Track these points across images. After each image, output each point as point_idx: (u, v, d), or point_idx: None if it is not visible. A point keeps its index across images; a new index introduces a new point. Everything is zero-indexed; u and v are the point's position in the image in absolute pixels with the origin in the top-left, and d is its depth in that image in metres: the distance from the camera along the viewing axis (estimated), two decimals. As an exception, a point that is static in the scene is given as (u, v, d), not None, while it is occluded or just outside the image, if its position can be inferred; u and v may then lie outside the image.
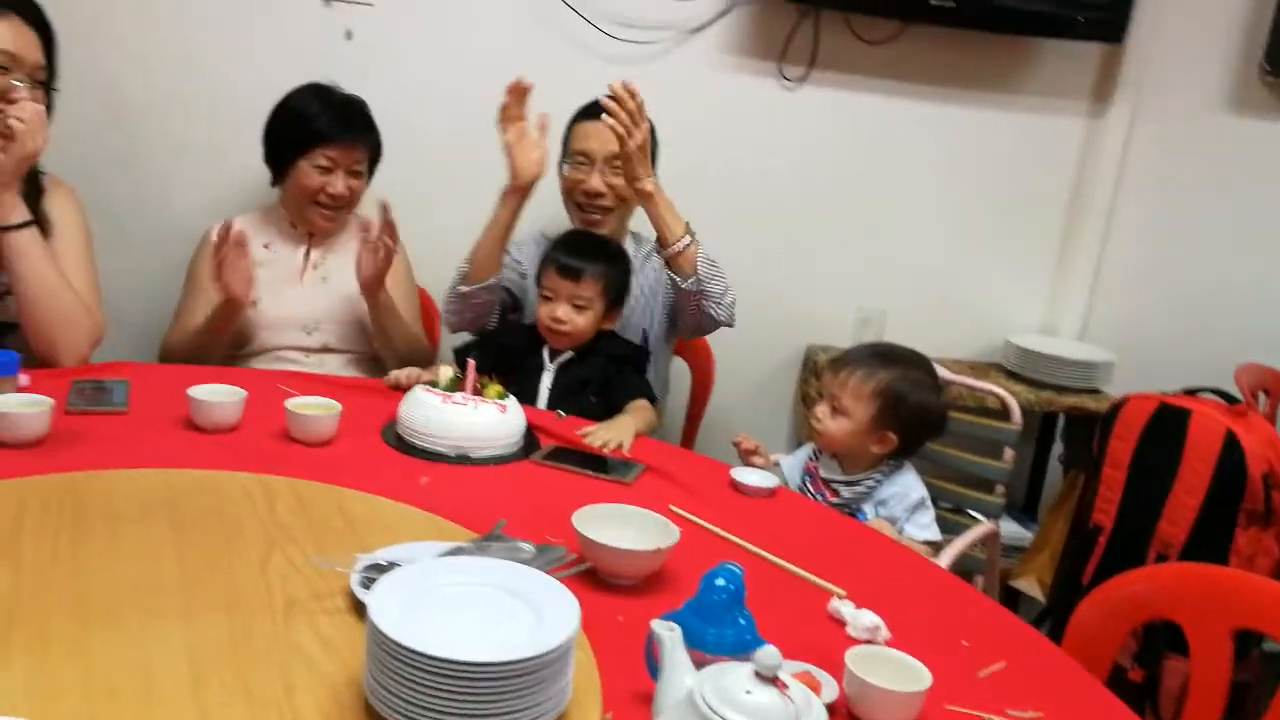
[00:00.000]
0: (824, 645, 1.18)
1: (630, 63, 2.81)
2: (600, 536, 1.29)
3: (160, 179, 2.67)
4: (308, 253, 2.34)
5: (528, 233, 2.43)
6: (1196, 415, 2.23)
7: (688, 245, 2.11)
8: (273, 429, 1.73)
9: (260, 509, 1.36)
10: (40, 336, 1.92)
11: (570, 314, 2.08)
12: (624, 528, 1.35)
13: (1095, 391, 2.89)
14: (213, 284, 2.14)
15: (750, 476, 1.74)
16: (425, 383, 1.83)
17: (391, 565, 1.15)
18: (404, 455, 1.71)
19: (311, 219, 2.30)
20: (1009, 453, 2.22)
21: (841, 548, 1.58)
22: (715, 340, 2.58)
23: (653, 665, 1.04)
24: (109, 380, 1.86)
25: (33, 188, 1.98)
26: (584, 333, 2.11)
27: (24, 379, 1.70)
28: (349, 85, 2.37)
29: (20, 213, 1.89)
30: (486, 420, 1.76)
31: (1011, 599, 2.68)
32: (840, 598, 1.35)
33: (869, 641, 1.23)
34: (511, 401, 1.82)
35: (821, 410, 1.88)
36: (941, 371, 2.06)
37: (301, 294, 2.31)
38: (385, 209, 2.12)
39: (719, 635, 1.02)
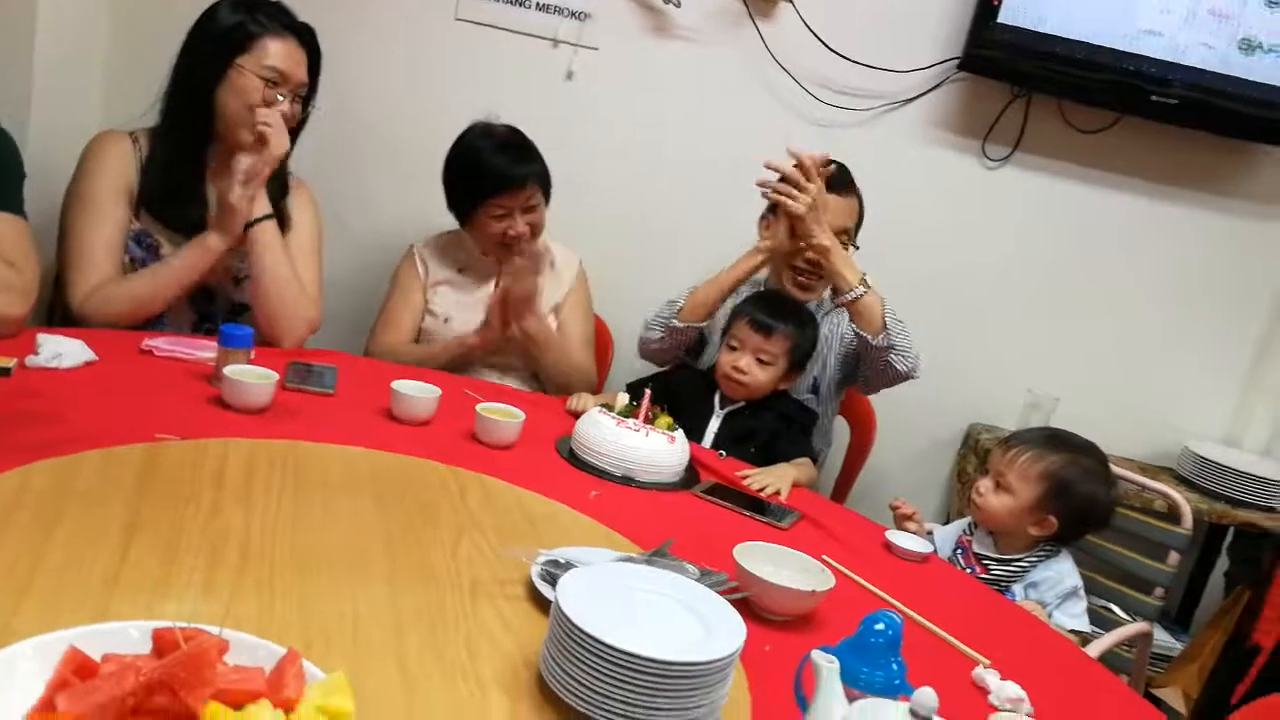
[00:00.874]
0: (966, 712, 1.20)
1: (837, 127, 2.90)
2: (759, 571, 1.36)
3: (377, 191, 2.92)
4: (498, 280, 2.44)
5: None
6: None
7: (861, 294, 2.16)
8: (461, 428, 1.87)
9: (453, 496, 1.48)
10: (267, 319, 2.13)
11: (753, 366, 2.16)
12: (781, 567, 1.41)
13: (1272, 510, 2.76)
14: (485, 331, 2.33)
15: (904, 540, 1.77)
16: (602, 405, 1.95)
17: (569, 563, 1.25)
18: (575, 469, 1.83)
19: (499, 255, 2.42)
20: (1174, 556, 2.16)
21: (989, 620, 1.59)
22: (880, 403, 2.61)
23: (800, 695, 1.10)
24: (320, 365, 2.05)
25: (278, 186, 2.21)
26: (762, 387, 2.18)
27: (252, 354, 1.89)
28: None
29: (263, 207, 2.11)
30: (654, 447, 1.85)
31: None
32: (985, 666, 1.36)
33: (1011, 712, 1.24)
34: (679, 434, 1.91)
35: (985, 485, 1.89)
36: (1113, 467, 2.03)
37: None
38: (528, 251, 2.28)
39: (870, 675, 1.07)
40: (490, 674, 1.03)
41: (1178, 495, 2.22)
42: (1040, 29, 2.72)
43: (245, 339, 1.83)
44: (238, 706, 0.78)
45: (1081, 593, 1.86)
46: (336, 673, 0.86)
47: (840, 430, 2.72)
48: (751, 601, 1.35)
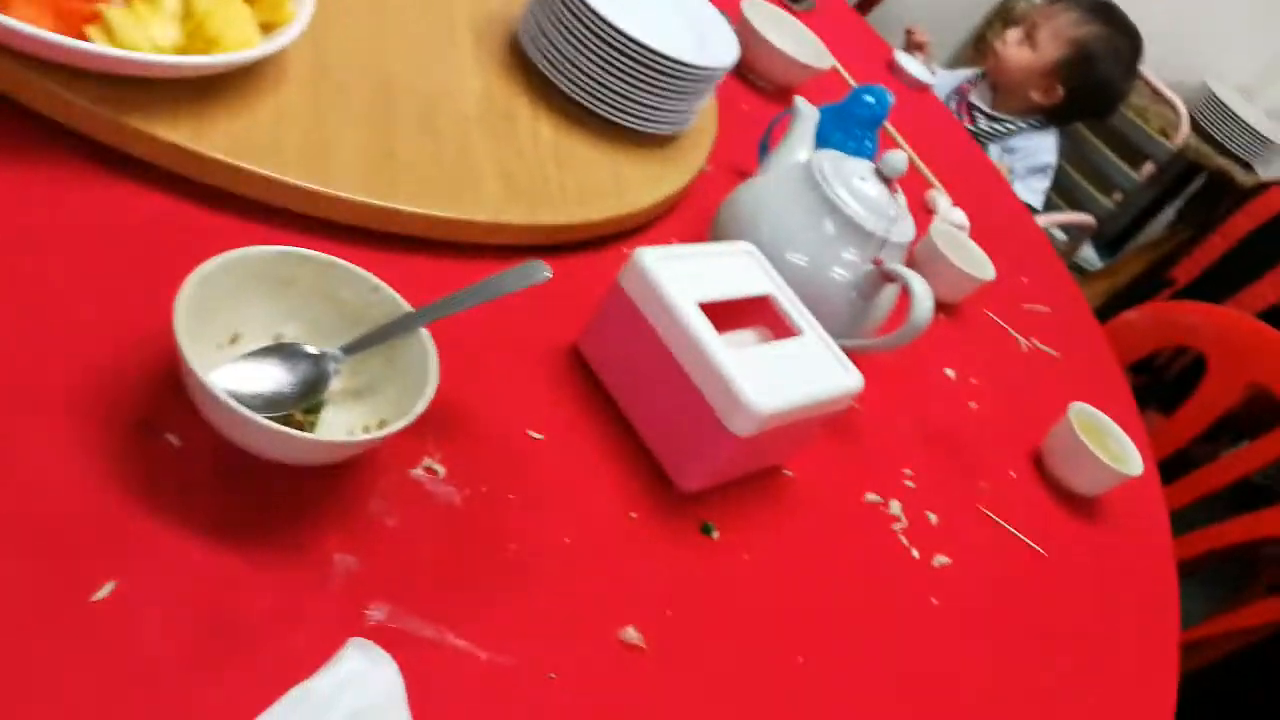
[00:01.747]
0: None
1: None
2: (764, 32, 1.30)
3: None
4: None
5: None
6: (1331, 226, 2.16)
7: None
8: None
9: None
10: None
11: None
12: (783, 38, 1.35)
13: (1249, 167, 2.76)
14: None
15: (911, 65, 1.71)
16: None
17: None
18: None
19: None
20: (1149, 166, 2.17)
21: (958, 160, 1.60)
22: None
23: (765, 144, 1.09)
24: None
25: None
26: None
27: None
28: None
29: None
30: None
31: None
32: (939, 190, 1.39)
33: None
34: None
35: (1012, 35, 1.81)
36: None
37: None
38: None
39: (842, 142, 1.06)
40: (464, 17, 0.98)
41: (1184, 110, 2.17)
42: None
43: None
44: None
45: (1050, 173, 1.87)
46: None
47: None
48: (747, 67, 1.30)
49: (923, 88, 1.72)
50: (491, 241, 0.80)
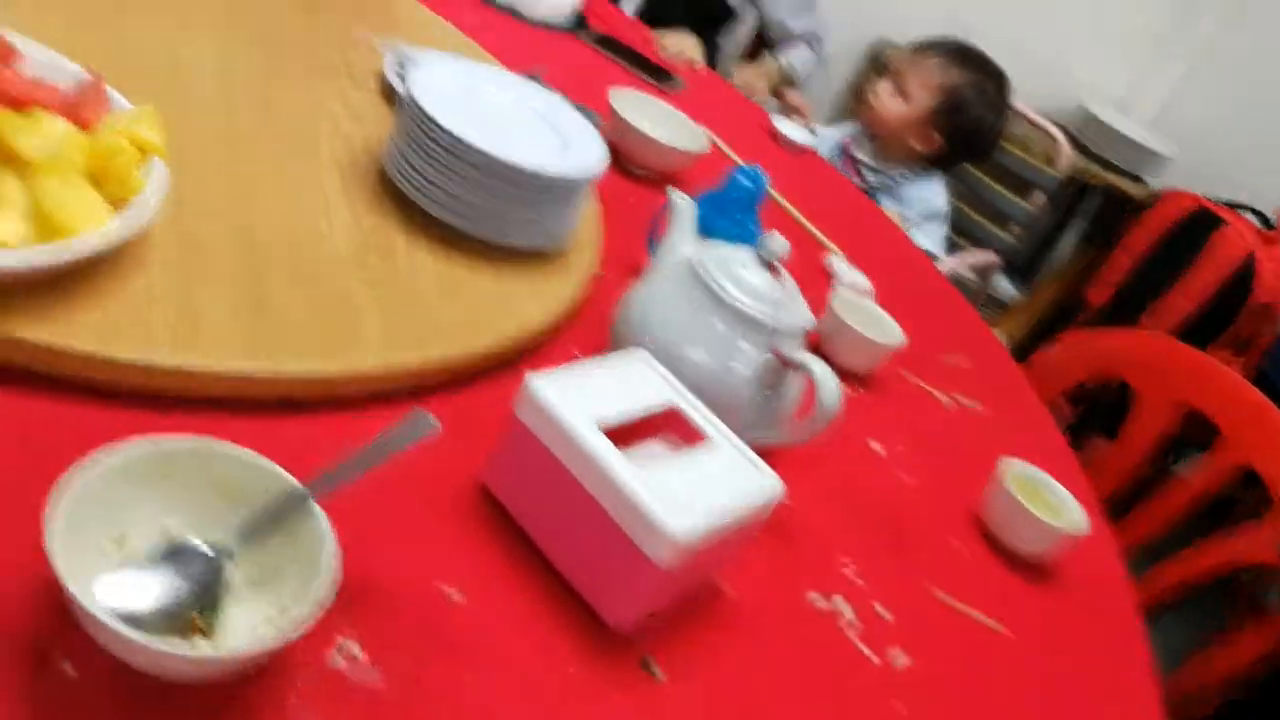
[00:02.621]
0: (812, 295, 1.21)
1: None
2: (634, 121, 1.28)
3: None
4: None
5: None
6: (1227, 228, 2.21)
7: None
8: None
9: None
10: None
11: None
12: (657, 125, 1.34)
13: (1139, 180, 2.83)
14: None
15: (789, 129, 1.71)
16: None
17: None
18: None
19: None
20: (1039, 196, 2.20)
21: (850, 219, 1.59)
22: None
23: (653, 239, 1.06)
24: None
25: None
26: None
27: None
28: None
29: None
30: None
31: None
32: (837, 255, 1.37)
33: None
34: None
35: (883, 87, 1.82)
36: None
37: None
38: None
39: (726, 229, 1.03)
40: (329, 155, 0.94)
41: (1059, 134, 2.22)
42: None
43: None
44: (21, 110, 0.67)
45: (946, 218, 1.88)
46: (146, 105, 0.75)
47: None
48: (621, 151, 1.28)
49: (805, 151, 1.72)
50: (383, 389, 0.74)
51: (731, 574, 0.75)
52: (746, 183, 1.05)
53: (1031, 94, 2.95)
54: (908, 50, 1.85)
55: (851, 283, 1.29)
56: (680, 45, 1.81)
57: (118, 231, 0.66)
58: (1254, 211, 2.28)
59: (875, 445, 1.01)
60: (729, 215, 1.05)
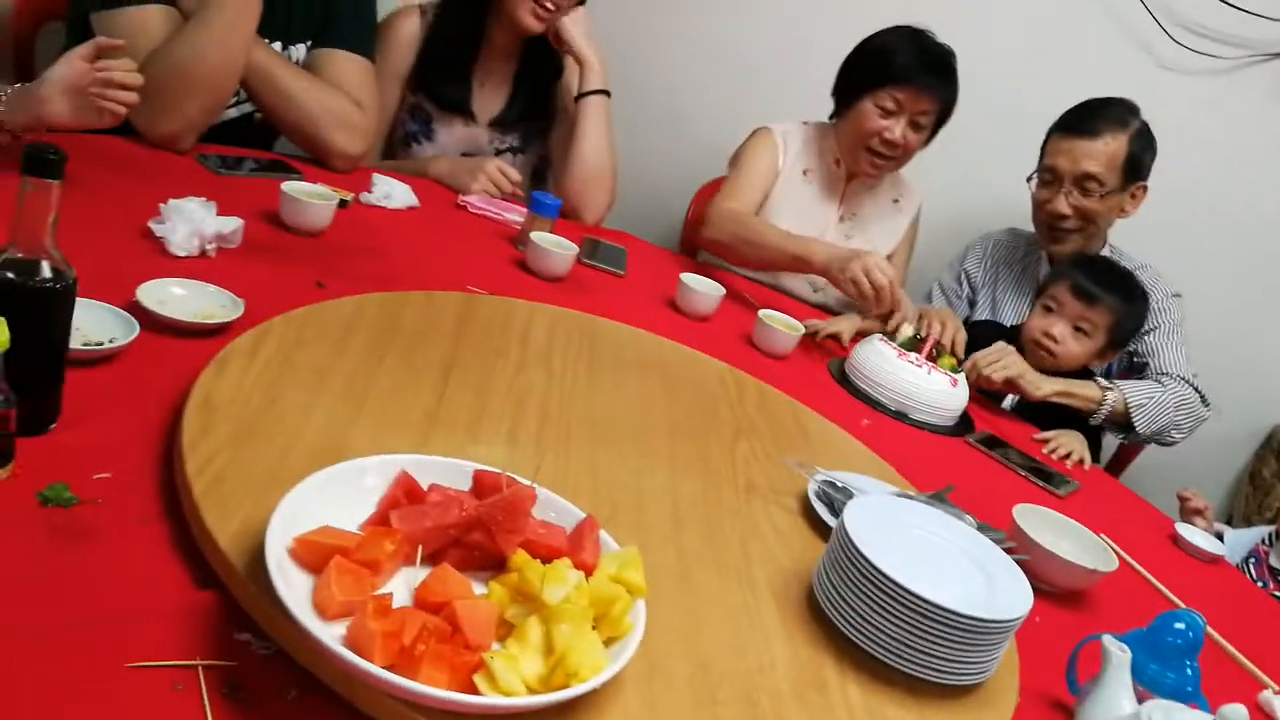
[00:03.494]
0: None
1: (1182, 72, 2.61)
2: (1039, 537, 1.28)
3: (697, 91, 2.90)
4: (841, 200, 2.33)
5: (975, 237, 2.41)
6: None
7: (1111, 409, 1.96)
8: (739, 329, 1.87)
9: (731, 396, 1.48)
10: (577, 191, 2.19)
11: (1067, 336, 1.99)
12: (1060, 537, 1.33)
13: None
14: None
15: (1195, 536, 1.63)
16: (883, 334, 1.88)
17: (845, 488, 1.22)
18: (846, 393, 1.79)
19: (859, 162, 2.23)
20: None
21: (1276, 641, 1.45)
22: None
23: (1072, 677, 1.03)
24: (610, 244, 2.09)
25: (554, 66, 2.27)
26: (1073, 360, 2.00)
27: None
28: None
29: (600, 82, 2.15)
30: (935, 387, 1.78)
31: None
32: (1275, 692, 1.24)
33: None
34: (961, 377, 1.82)
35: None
36: None
37: None
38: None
39: (1161, 674, 0.99)
40: (763, 579, 1.03)
41: None
42: None
43: (553, 209, 1.89)
44: (543, 560, 0.82)
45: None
46: (631, 547, 0.88)
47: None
48: (1025, 566, 1.28)
49: (1215, 560, 1.61)
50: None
51: None
52: (1182, 627, 1.00)
53: None
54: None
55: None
56: (1070, 445, 1.83)
57: (610, 671, 0.76)
58: None
59: None
60: (1164, 660, 1.00)
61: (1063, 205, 2.13)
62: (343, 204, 1.70)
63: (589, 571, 0.83)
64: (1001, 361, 1.89)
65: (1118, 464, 2.44)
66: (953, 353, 1.95)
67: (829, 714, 0.87)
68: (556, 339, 1.44)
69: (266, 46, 1.79)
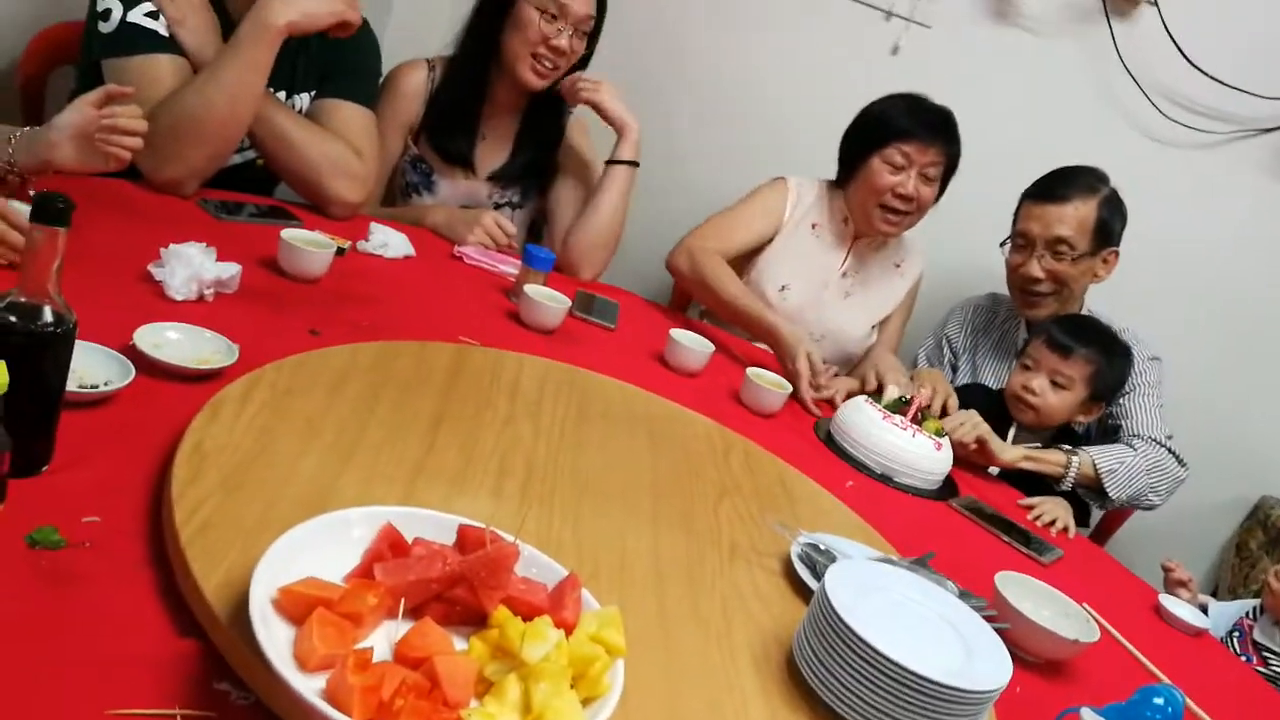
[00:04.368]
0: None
1: (1174, 146, 2.67)
2: (1020, 606, 1.29)
3: (689, 141, 2.96)
4: (847, 256, 2.37)
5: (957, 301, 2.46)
6: None
7: (1077, 472, 1.98)
8: (727, 385, 1.89)
9: (717, 454, 1.49)
10: (581, 249, 2.22)
11: (1046, 389, 2.02)
12: (1041, 605, 1.34)
13: None
14: None
15: (1179, 608, 1.63)
16: (869, 394, 1.90)
17: (828, 551, 1.23)
18: (831, 453, 1.80)
19: (874, 221, 2.26)
20: None
21: (1262, 716, 1.45)
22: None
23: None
24: (603, 298, 2.12)
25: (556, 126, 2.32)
26: (1053, 413, 2.04)
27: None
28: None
29: (631, 154, 2.21)
30: (919, 451, 1.79)
31: None
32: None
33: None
34: (946, 441, 1.84)
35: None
36: None
37: (824, 303, 2.36)
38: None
39: (1139, 748, 0.99)
40: (743, 641, 1.03)
41: None
42: None
43: (547, 262, 1.92)
44: (524, 617, 0.82)
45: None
46: (612, 607, 0.88)
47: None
48: (1007, 635, 1.28)
49: (1198, 633, 1.62)
50: None
51: None
52: (1161, 703, 1.01)
53: None
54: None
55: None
56: (1054, 512, 1.84)
57: (587, 731, 0.77)
58: None
59: None
60: (1140, 734, 1.00)
61: (1036, 269, 2.18)
62: (340, 252, 1.72)
63: (569, 630, 0.84)
64: (966, 425, 1.92)
65: (1102, 532, 2.45)
66: (944, 416, 1.97)
67: (805, 781, 0.87)
68: (546, 392, 1.45)
69: (271, 95, 1.82)
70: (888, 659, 0.92)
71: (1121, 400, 2.12)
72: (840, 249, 2.37)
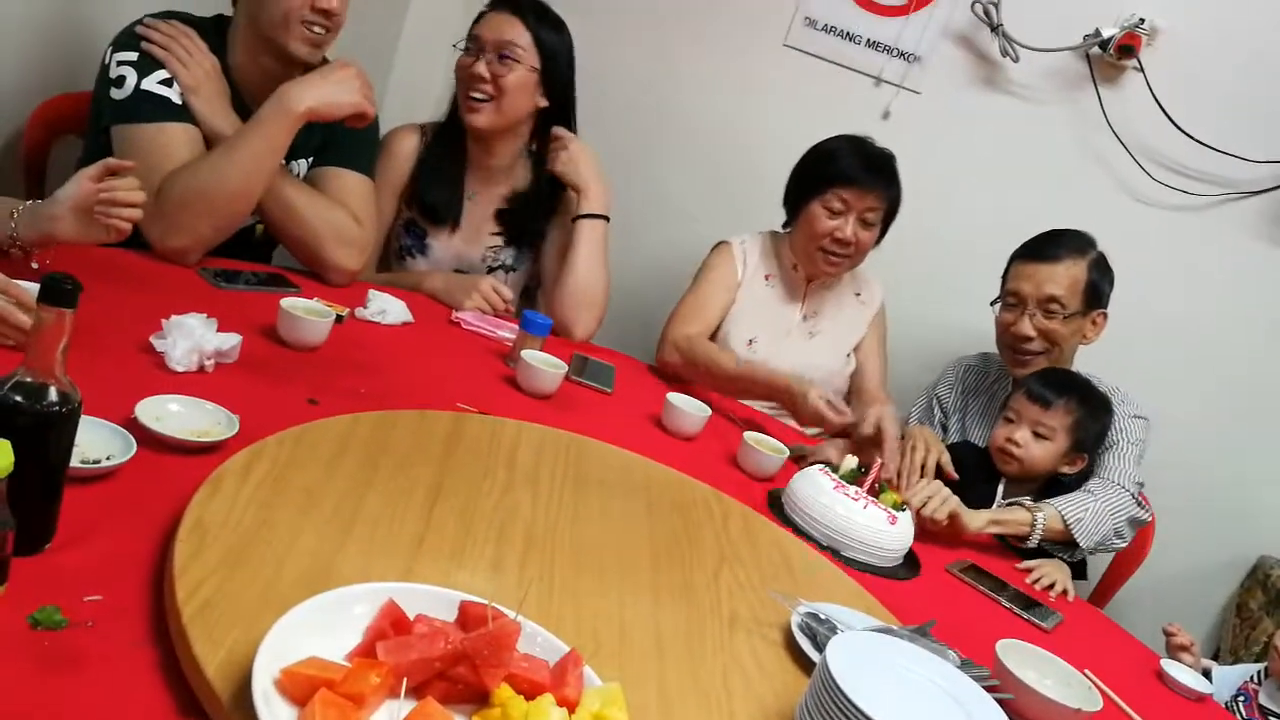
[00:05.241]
0: None
1: (1164, 208, 2.72)
2: (1022, 675, 1.28)
3: (677, 199, 3.00)
4: (804, 300, 2.43)
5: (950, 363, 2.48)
6: None
7: (1041, 530, 1.93)
8: (724, 449, 1.89)
9: (716, 521, 1.49)
10: (567, 309, 2.24)
11: (1028, 440, 2.04)
12: (1044, 674, 1.34)
13: None
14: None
15: (1182, 674, 1.62)
16: (823, 463, 1.80)
17: (829, 621, 1.23)
18: (779, 521, 1.65)
19: (817, 264, 2.34)
20: None
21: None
22: (1159, 512, 2.39)
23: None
24: (598, 361, 2.13)
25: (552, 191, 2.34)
26: (1036, 464, 2.05)
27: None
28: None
29: (601, 208, 2.24)
30: (868, 524, 1.62)
31: None
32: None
33: None
34: (905, 516, 1.68)
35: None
36: None
37: (790, 347, 2.40)
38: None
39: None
40: (743, 715, 1.03)
41: None
42: None
43: (544, 327, 1.93)
44: (526, 695, 0.82)
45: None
46: (614, 684, 0.88)
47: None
48: (1009, 706, 1.28)
49: (1201, 698, 1.61)
50: None
51: None
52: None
53: None
54: None
55: None
56: (1053, 575, 1.84)
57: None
58: None
59: None
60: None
61: (1027, 328, 2.19)
62: (338, 319, 1.73)
63: (571, 708, 0.84)
64: (935, 500, 1.84)
65: (1101, 595, 2.45)
66: (941, 472, 1.97)
67: None
68: (544, 459, 1.45)
69: (282, 167, 1.85)
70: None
71: (1103, 454, 2.12)
72: (796, 296, 2.44)
